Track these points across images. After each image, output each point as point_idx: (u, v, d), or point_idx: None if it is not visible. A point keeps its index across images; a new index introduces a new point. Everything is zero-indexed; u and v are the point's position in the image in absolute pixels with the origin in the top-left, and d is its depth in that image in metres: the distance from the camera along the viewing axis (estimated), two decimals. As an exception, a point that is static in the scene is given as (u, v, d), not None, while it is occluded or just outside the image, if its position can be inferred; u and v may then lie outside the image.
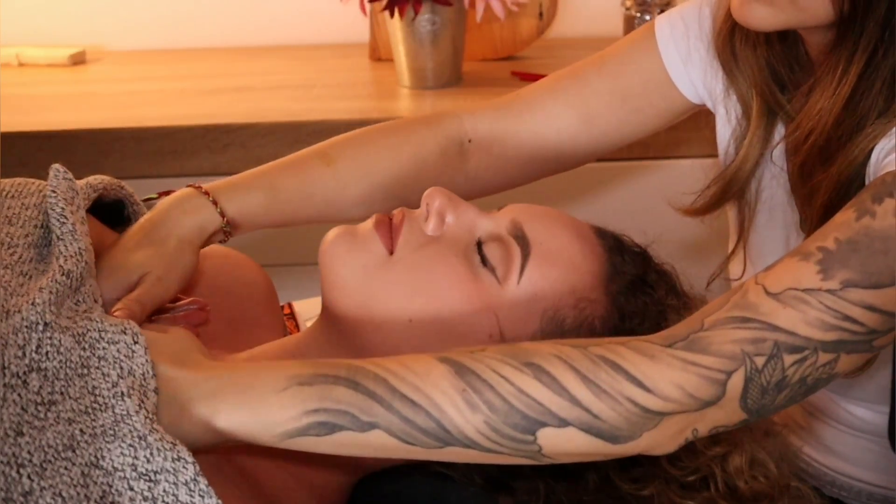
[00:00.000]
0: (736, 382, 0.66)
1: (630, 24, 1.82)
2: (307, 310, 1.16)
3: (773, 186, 0.95)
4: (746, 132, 0.94)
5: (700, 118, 1.39)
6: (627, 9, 1.82)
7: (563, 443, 0.66)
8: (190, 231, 0.85)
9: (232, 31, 2.02)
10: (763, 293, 0.68)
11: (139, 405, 0.65)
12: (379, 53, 1.91)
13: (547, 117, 1.03)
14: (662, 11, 1.79)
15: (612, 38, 1.89)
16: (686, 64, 1.00)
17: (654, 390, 0.65)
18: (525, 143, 1.03)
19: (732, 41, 0.93)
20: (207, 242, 0.87)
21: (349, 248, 0.80)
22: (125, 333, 0.69)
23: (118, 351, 0.68)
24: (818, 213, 0.84)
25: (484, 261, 0.80)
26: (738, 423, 0.69)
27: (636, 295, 0.81)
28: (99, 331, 0.69)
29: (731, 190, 0.96)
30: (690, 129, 1.52)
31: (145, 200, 0.91)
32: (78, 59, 1.92)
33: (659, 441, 0.67)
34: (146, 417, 0.65)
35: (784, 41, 0.90)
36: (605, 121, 1.02)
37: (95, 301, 0.75)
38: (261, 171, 0.94)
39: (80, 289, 0.74)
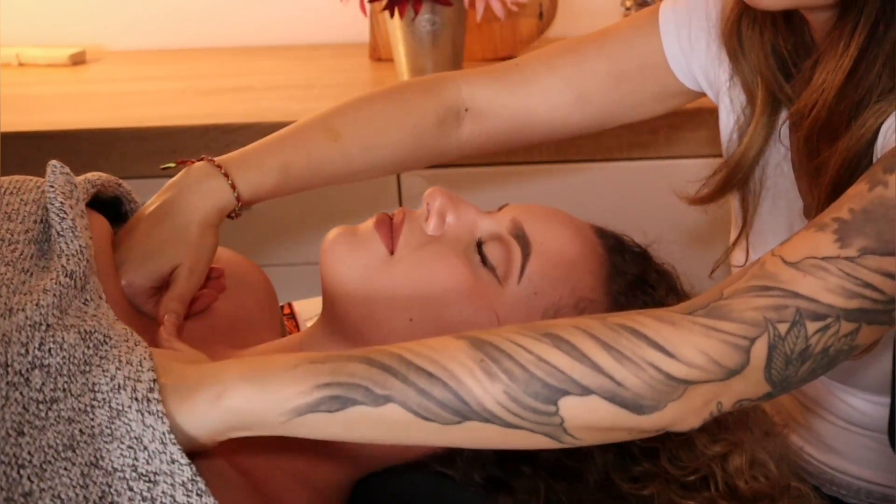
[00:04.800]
0: (759, 350, 0.65)
1: (630, 24, 1.82)
2: (307, 310, 1.16)
3: (778, 174, 0.96)
4: (751, 120, 0.94)
5: (700, 117, 1.39)
6: (627, 9, 1.82)
7: (585, 413, 0.63)
8: (209, 215, 0.87)
9: (232, 31, 2.02)
10: (781, 263, 0.67)
11: (132, 396, 0.64)
12: (379, 53, 1.91)
13: (542, 92, 1.04)
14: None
15: (612, 38, 1.90)
16: (686, 53, 1.01)
17: (677, 356, 0.64)
18: (518, 116, 1.05)
19: (739, 27, 0.93)
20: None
21: (350, 248, 0.80)
22: (127, 341, 0.69)
23: (119, 352, 0.68)
24: (826, 190, 0.84)
25: (484, 260, 0.80)
26: (763, 396, 0.67)
27: (636, 295, 0.81)
28: (104, 334, 0.70)
29: (736, 177, 0.96)
30: (690, 128, 1.52)
31: (163, 168, 0.93)
32: (78, 59, 1.92)
33: (684, 414, 0.65)
34: (138, 410, 0.64)
35: (789, 25, 0.91)
36: (599, 101, 1.04)
37: (100, 297, 0.75)
38: (271, 147, 0.95)
39: (86, 287, 0.74)
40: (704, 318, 0.65)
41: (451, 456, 0.81)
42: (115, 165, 1.51)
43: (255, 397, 0.63)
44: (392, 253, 0.80)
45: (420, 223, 0.82)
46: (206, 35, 2.02)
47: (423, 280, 0.78)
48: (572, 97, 1.04)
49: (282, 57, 1.94)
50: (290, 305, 1.20)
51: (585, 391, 0.63)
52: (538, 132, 1.08)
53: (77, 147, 1.52)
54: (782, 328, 0.65)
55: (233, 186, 0.88)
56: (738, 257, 1.02)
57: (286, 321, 1.15)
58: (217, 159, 0.90)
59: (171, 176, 0.90)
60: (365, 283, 0.79)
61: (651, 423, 0.65)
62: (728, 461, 0.79)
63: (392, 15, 1.66)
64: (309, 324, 0.97)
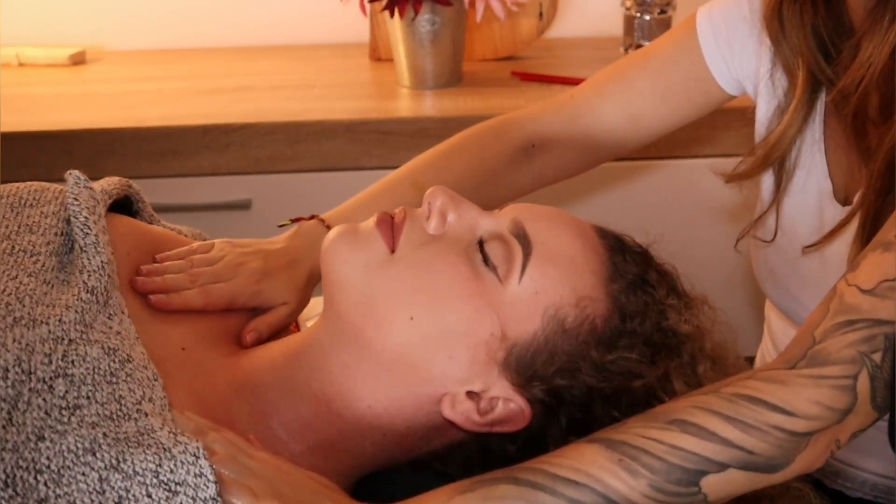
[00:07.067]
0: (863, 384, 0.69)
1: (630, 24, 1.82)
2: (308, 309, 1.16)
3: (812, 154, 1.00)
4: (791, 101, 0.98)
5: (701, 119, 1.39)
6: (627, 9, 1.82)
7: (726, 485, 0.68)
8: (318, 270, 0.90)
9: (232, 31, 2.02)
10: (859, 293, 0.71)
11: (162, 424, 0.67)
12: (379, 53, 1.91)
13: (597, 119, 1.12)
14: (662, 12, 1.80)
15: (612, 38, 1.90)
16: (726, 57, 1.06)
17: (797, 412, 0.68)
18: (580, 143, 1.13)
19: (780, 10, 0.97)
20: None
21: (351, 247, 0.80)
22: (146, 368, 0.72)
23: (143, 377, 0.71)
24: (879, 168, 0.87)
25: (486, 260, 0.80)
26: (871, 423, 0.71)
27: (637, 294, 0.81)
28: (127, 354, 0.72)
29: (774, 155, 1.00)
30: (692, 129, 1.52)
31: (281, 226, 0.99)
32: (78, 59, 1.92)
33: (811, 460, 0.69)
34: (170, 432, 0.66)
35: (829, 6, 0.94)
36: (649, 119, 1.11)
37: (123, 312, 0.77)
38: (366, 203, 1.02)
39: (109, 302, 0.75)
40: (808, 369, 0.69)
41: (451, 455, 0.81)
42: (115, 165, 1.51)
43: None
44: (393, 252, 0.80)
45: (421, 222, 0.82)
46: (206, 35, 2.02)
47: (424, 279, 0.78)
48: (625, 120, 1.12)
49: (282, 57, 1.94)
50: (290, 305, 1.20)
51: (722, 467, 0.67)
52: (602, 153, 1.15)
53: (77, 147, 1.52)
54: (877, 357, 0.69)
55: None
56: (765, 232, 1.05)
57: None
58: (323, 216, 0.98)
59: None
60: (366, 282, 0.79)
61: (784, 476, 0.69)
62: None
63: (392, 15, 1.66)
64: (309, 324, 0.96)
